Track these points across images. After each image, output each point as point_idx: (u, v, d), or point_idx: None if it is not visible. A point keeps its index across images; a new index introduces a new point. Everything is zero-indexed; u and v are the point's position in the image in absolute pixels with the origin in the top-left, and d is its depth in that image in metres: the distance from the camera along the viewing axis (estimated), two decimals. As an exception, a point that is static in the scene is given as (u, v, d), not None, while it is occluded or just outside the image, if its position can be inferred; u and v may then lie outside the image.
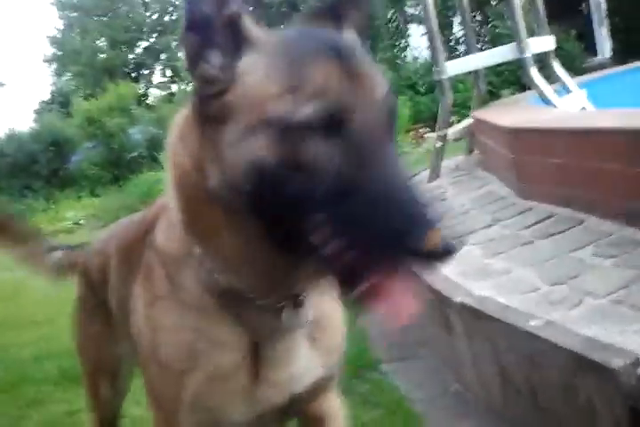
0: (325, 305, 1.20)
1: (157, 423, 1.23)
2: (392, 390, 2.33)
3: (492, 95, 11.56)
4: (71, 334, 1.82)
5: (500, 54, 4.81)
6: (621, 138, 2.40)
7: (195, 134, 0.96)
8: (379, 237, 0.82)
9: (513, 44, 4.66)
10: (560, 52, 10.97)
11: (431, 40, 4.93)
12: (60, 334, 3.65)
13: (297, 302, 1.09)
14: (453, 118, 10.18)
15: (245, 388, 1.12)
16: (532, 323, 1.80)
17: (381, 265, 0.85)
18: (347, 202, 0.84)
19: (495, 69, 11.28)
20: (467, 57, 5.17)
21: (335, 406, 1.39)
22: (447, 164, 5.19)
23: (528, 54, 4.55)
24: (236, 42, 0.92)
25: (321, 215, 0.85)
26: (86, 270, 1.72)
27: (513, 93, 9.98)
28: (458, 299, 2.15)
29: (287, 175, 0.85)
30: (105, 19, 29.08)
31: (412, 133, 11.82)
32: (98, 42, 29.22)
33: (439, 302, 2.30)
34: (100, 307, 1.59)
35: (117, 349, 1.64)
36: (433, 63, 5.02)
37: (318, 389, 1.25)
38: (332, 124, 0.84)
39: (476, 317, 2.04)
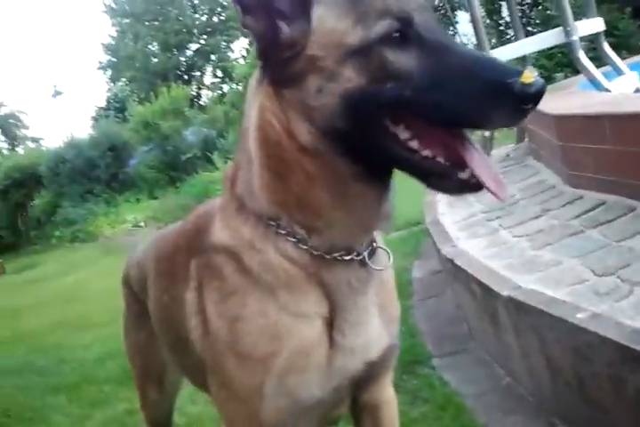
0: (384, 273, 1.22)
1: (234, 423, 1.24)
2: (442, 386, 2.33)
3: (545, 79, 11.27)
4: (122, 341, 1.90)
5: (547, 39, 4.71)
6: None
7: (275, 102, 1.05)
8: (474, 97, 0.94)
9: (559, 29, 4.56)
10: (614, 31, 10.69)
11: (475, 28, 4.86)
12: (121, 334, 3.79)
13: (372, 251, 1.14)
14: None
15: (324, 358, 1.14)
16: (579, 315, 1.77)
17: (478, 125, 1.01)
18: (437, 92, 0.96)
19: (547, 53, 11.02)
20: (513, 44, 5.07)
21: (389, 393, 1.40)
22: (498, 153, 5.13)
23: (575, 38, 4.45)
24: (299, 4, 1.02)
25: (414, 115, 0.98)
26: (128, 281, 1.79)
27: (566, 76, 9.72)
28: (505, 292, 2.13)
29: (381, 90, 0.97)
30: (156, 23, 29.64)
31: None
32: (150, 46, 29.82)
33: (486, 296, 2.29)
34: (144, 315, 1.65)
35: (163, 355, 1.69)
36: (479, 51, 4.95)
37: (385, 360, 1.26)
38: (402, 33, 0.97)
39: (522, 310, 2.03)
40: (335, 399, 1.20)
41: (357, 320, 1.15)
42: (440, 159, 1.01)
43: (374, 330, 1.18)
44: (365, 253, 1.13)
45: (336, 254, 1.10)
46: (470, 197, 3.76)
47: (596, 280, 2.04)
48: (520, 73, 0.92)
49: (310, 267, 1.10)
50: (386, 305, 1.23)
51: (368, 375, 1.23)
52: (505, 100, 0.92)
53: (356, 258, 1.12)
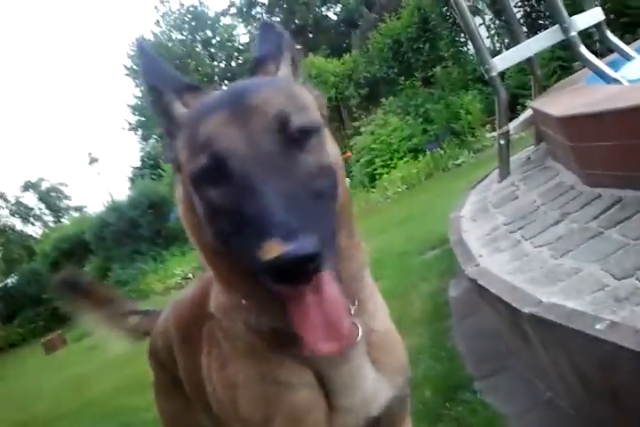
0: (382, 320, 1.25)
1: None
2: (484, 410, 2.30)
3: (564, 70, 11.15)
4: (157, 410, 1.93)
5: (545, 39, 4.66)
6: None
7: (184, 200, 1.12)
8: (249, 257, 0.89)
9: (556, 27, 4.52)
10: (626, 10, 10.50)
11: (472, 39, 4.87)
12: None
13: None
14: (528, 101, 9.91)
15: (323, 420, 1.17)
16: (598, 326, 1.74)
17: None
18: (243, 230, 0.93)
19: (561, 43, 10.81)
20: (512, 49, 5.04)
21: None
22: (519, 156, 5.08)
23: (573, 33, 4.40)
24: (172, 127, 1.11)
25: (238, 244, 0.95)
26: (154, 351, 1.84)
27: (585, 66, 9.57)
28: (526, 310, 2.11)
29: (215, 221, 1.00)
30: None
31: (488, 126, 11.58)
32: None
33: (511, 313, 2.26)
34: (175, 384, 1.69)
35: (197, 420, 1.73)
36: (480, 63, 4.95)
37: (393, 410, 1.28)
38: (219, 168, 0.97)
39: (545, 325, 2.00)
40: None
41: (345, 384, 1.16)
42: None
43: (369, 388, 1.19)
44: None
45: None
46: (492, 209, 3.74)
47: (616, 285, 2.00)
48: (268, 238, 0.85)
49: (273, 340, 1.13)
50: (383, 360, 1.24)
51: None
52: (262, 267, 0.87)
53: None
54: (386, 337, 1.27)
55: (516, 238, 2.96)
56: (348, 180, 13.31)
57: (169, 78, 1.16)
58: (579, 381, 1.92)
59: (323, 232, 0.90)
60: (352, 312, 1.14)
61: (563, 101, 3.87)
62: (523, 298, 2.21)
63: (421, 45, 15.21)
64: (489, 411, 2.28)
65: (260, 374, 1.17)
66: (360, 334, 1.15)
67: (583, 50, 4.40)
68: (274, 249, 0.83)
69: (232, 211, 0.95)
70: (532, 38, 5.11)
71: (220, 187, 0.97)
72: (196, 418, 1.73)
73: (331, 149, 1.06)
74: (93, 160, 23.67)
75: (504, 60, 4.80)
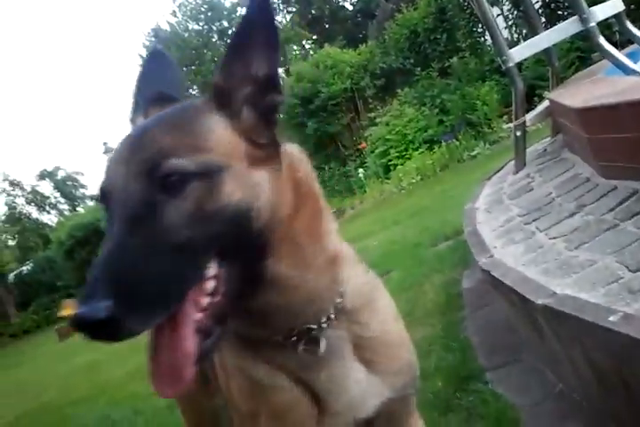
0: (378, 326, 1.24)
1: None
2: (496, 401, 2.30)
3: (582, 61, 11.03)
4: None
5: (564, 30, 4.60)
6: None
7: None
8: None
9: (575, 18, 4.47)
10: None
11: (489, 30, 4.82)
12: (189, 379, 3.87)
13: (310, 337, 1.15)
14: (546, 92, 9.82)
15: (312, 420, 1.18)
16: (611, 318, 1.73)
17: None
18: None
19: (580, 34, 10.66)
20: (530, 40, 4.99)
21: (416, 425, 1.42)
22: (536, 148, 5.05)
23: (592, 24, 4.35)
24: None
25: None
26: None
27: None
28: (539, 301, 2.10)
29: None
30: (193, 68, 30.49)
31: (505, 117, 11.50)
32: (191, 90, 30.68)
33: (525, 305, 2.26)
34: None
35: (214, 401, 1.75)
36: (497, 54, 4.91)
37: (391, 411, 1.29)
38: (103, 204, 1.01)
39: (559, 317, 1.99)
40: None
41: (328, 388, 1.18)
42: None
43: (357, 391, 1.20)
44: (294, 340, 1.15)
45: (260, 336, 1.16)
46: (507, 201, 3.72)
47: (631, 277, 1.98)
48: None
49: (251, 344, 1.16)
50: (380, 362, 1.24)
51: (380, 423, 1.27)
52: None
53: (285, 343, 1.15)
54: (384, 340, 1.26)
55: (531, 230, 2.95)
56: (361, 170, 13.33)
57: (154, 86, 1.21)
58: (592, 373, 1.92)
59: (154, 291, 0.89)
60: (325, 326, 1.16)
61: (581, 93, 3.83)
62: (536, 289, 2.20)
63: (438, 36, 15.09)
64: (500, 402, 2.29)
65: (242, 370, 1.20)
66: (325, 346, 1.17)
67: (602, 41, 4.34)
68: (69, 308, 0.86)
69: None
70: (551, 29, 5.05)
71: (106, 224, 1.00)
72: (211, 399, 1.75)
73: (232, 191, 0.99)
74: (109, 150, 23.81)
75: (522, 51, 4.75)
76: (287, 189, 1.08)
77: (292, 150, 1.18)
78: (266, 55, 1.07)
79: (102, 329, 0.85)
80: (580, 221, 2.73)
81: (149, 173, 0.95)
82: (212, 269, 0.97)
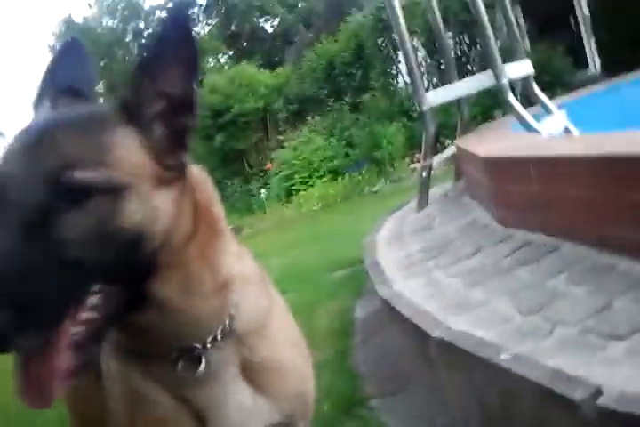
0: (265, 352, 1.24)
1: None
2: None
3: (485, 116, 11.68)
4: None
5: (478, 82, 4.91)
6: (587, 165, 2.46)
7: None
8: None
9: (489, 72, 4.77)
10: (548, 68, 11.17)
11: (410, 73, 5.06)
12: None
13: (192, 356, 1.14)
14: (449, 141, 10.34)
15: None
16: (502, 356, 1.84)
17: None
18: None
19: (487, 91, 11.34)
20: (445, 87, 5.27)
21: None
22: (437, 191, 5.27)
23: (504, 81, 4.64)
24: None
25: None
26: None
27: (504, 114, 10.09)
28: (435, 334, 2.19)
29: None
30: (101, 64, 29.62)
31: (407, 159, 11.94)
32: (97, 88, 29.75)
33: (420, 338, 2.34)
34: None
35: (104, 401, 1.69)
36: (414, 96, 5.14)
37: None
38: None
39: (452, 351, 2.09)
40: None
41: (209, 408, 1.18)
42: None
43: (240, 413, 1.20)
44: (175, 357, 1.14)
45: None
46: (408, 237, 3.86)
47: (522, 319, 2.11)
48: None
49: (134, 354, 1.16)
50: (271, 387, 1.24)
51: None
52: None
53: (165, 359, 1.14)
54: (272, 366, 1.25)
55: (430, 267, 3.07)
56: (264, 191, 13.39)
57: (66, 76, 1.16)
58: (478, 408, 2.01)
59: (36, 308, 0.87)
60: (208, 347, 1.15)
61: (487, 144, 4.08)
62: (433, 323, 2.30)
63: (354, 71, 15.52)
64: (383, 429, 2.35)
65: (125, 378, 1.19)
66: (204, 366, 1.16)
67: (511, 97, 4.65)
68: None
69: None
70: (466, 79, 5.37)
71: None
72: (100, 399, 1.71)
73: (132, 213, 0.96)
74: (2, 137, 22.49)
75: (437, 96, 5.01)
76: (187, 213, 1.05)
77: (195, 170, 1.14)
78: (182, 75, 1.03)
79: None
80: (477, 263, 2.88)
81: (50, 180, 0.90)
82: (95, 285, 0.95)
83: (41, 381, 0.92)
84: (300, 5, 32.81)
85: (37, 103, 1.14)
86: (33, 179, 0.90)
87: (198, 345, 1.14)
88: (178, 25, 1.02)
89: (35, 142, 0.94)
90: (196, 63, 1.05)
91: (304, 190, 12.14)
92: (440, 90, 5.22)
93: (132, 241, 0.95)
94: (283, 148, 13.84)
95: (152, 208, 0.98)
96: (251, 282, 1.25)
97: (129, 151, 0.99)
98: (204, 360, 1.14)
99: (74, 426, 1.89)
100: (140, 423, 1.18)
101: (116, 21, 30.91)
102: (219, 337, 1.15)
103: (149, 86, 1.02)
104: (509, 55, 5.41)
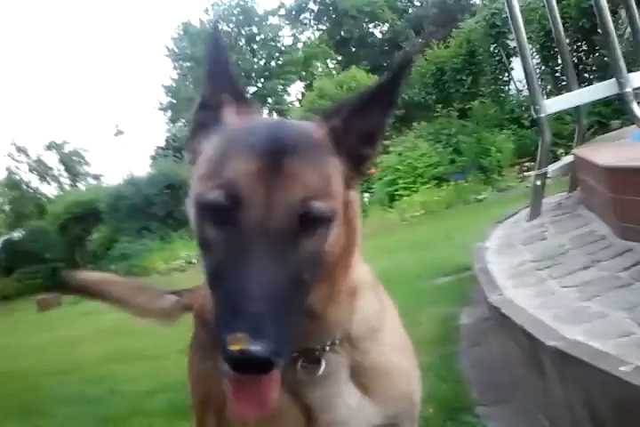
0: (377, 356, 1.28)
1: None
2: (485, 434, 2.35)
3: (602, 126, 11.25)
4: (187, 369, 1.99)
5: (600, 90, 4.75)
6: None
7: None
8: (217, 325, 0.93)
9: (613, 80, 4.60)
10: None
11: (528, 78, 4.93)
12: (172, 368, 3.89)
13: (311, 357, 1.19)
14: (561, 150, 10.03)
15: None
16: (623, 368, 1.79)
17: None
18: (218, 284, 0.96)
19: (604, 99, 10.90)
20: (565, 94, 5.12)
21: None
22: (550, 200, 5.13)
23: (629, 89, 4.46)
24: (211, 124, 1.11)
25: (212, 288, 0.99)
26: (202, 312, 1.89)
27: (623, 124, 9.66)
28: (550, 343, 2.15)
29: (202, 246, 1.02)
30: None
31: (516, 168, 11.66)
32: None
33: (532, 345, 2.31)
34: (211, 345, 1.74)
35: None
36: (530, 101, 5.02)
37: None
38: (227, 213, 0.96)
39: (567, 361, 2.04)
40: None
41: (319, 406, 1.22)
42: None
43: (347, 413, 1.24)
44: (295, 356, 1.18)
45: None
46: (520, 246, 3.79)
47: (642, 334, 2.04)
48: (233, 331, 0.86)
49: None
50: (373, 388, 1.27)
51: None
52: (221, 345, 0.89)
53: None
54: (381, 370, 1.29)
55: (543, 276, 3.01)
56: (367, 195, 13.45)
57: (229, 76, 1.17)
58: (590, 421, 1.96)
59: (290, 327, 0.93)
60: (327, 349, 1.20)
61: (607, 153, 3.94)
62: (547, 332, 2.25)
63: (464, 77, 15.35)
64: (490, 436, 2.33)
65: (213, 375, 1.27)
66: (324, 368, 1.20)
67: (635, 107, 4.46)
68: (239, 341, 0.86)
69: (219, 259, 0.97)
70: (587, 88, 5.19)
71: (219, 229, 0.98)
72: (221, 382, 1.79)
73: (335, 239, 1.05)
74: (119, 132, 23.81)
75: (555, 104, 4.88)
76: (343, 230, 1.10)
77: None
78: (383, 114, 1.11)
79: (264, 366, 0.88)
80: (594, 275, 2.80)
81: (300, 212, 0.97)
82: None
83: (262, 393, 0.99)
84: (410, 11, 32.72)
85: (211, 93, 1.15)
86: (284, 204, 0.96)
87: (318, 347, 1.19)
88: (399, 73, 1.09)
89: (283, 171, 0.98)
90: (394, 105, 1.13)
91: (407, 196, 12.11)
92: (559, 97, 5.08)
93: (321, 264, 1.03)
94: (388, 153, 13.85)
95: (339, 233, 1.07)
96: (368, 287, 1.30)
97: (338, 181, 1.06)
98: (323, 362, 1.20)
99: (194, 407, 2.00)
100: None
101: (231, 26, 31.98)
102: (337, 341, 1.21)
103: (359, 121, 1.10)
104: (634, 63, 5.21)
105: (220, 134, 1.07)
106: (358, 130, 1.11)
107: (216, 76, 1.17)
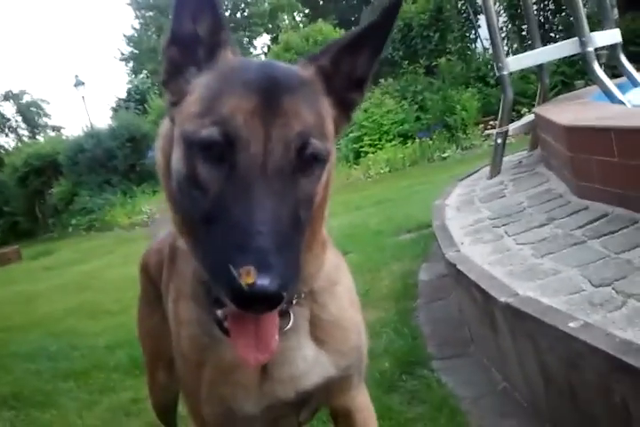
0: (334, 309, 1.29)
1: (189, 411, 1.36)
2: (440, 387, 2.40)
3: (565, 86, 11.31)
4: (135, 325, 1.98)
5: (562, 49, 4.74)
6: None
7: (168, 137, 1.08)
8: (216, 263, 0.89)
9: (575, 39, 4.59)
10: (637, 39, 10.65)
11: (491, 35, 4.90)
12: (132, 323, 3.86)
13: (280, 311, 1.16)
14: (525, 109, 10.08)
15: (253, 381, 1.23)
16: (571, 324, 1.83)
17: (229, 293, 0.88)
18: (214, 222, 0.92)
19: (568, 59, 11.01)
20: (528, 52, 5.11)
21: (361, 400, 1.48)
22: (511, 159, 5.18)
23: (590, 49, 4.46)
24: (208, 61, 1.05)
25: (202, 228, 0.95)
26: (146, 266, 1.87)
27: (587, 84, 9.72)
28: (502, 299, 2.19)
29: (189, 186, 0.98)
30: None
31: (481, 126, 11.70)
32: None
33: (486, 301, 2.35)
34: (158, 300, 1.73)
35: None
36: (493, 59, 5.00)
37: (332, 388, 1.34)
38: (223, 150, 0.94)
39: (519, 317, 2.09)
40: (276, 415, 1.30)
41: (278, 359, 1.20)
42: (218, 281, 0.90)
43: (302, 366, 1.25)
44: None
45: None
46: (478, 203, 3.82)
47: (593, 291, 2.09)
48: (245, 264, 0.83)
49: (217, 301, 1.12)
50: (330, 343, 1.29)
51: (312, 400, 1.33)
52: (226, 282, 0.86)
53: None
54: (337, 323, 1.30)
55: (500, 233, 3.05)
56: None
57: (216, 11, 1.07)
58: (541, 375, 2.02)
59: (294, 264, 0.92)
60: (294, 302, 1.19)
61: (568, 112, 3.96)
62: (500, 288, 2.30)
63: (431, 34, 15.16)
64: (444, 389, 2.39)
65: (198, 320, 1.22)
66: (292, 321, 1.19)
67: (596, 66, 4.47)
68: (249, 275, 0.83)
69: (213, 199, 0.94)
70: (549, 46, 5.18)
71: (214, 167, 0.95)
72: (169, 336, 1.78)
73: (326, 181, 1.06)
74: (79, 83, 22.94)
75: (517, 62, 4.88)
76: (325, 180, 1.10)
77: None
78: (372, 57, 1.10)
79: (274, 300, 0.86)
80: (549, 232, 2.84)
81: (299, 149, 0.95)
82: None
83: (265, 336, 0.99)
84: (379, -36, 32.06)
85: (195, 23, 1.06)
86: (283, 142, 0.94)
87: None
88: (390, 15, 1.08)
89: (280, 108, 0.96)
90: (382, 49, 1.11)
91: (373, 153, 12.09)
92: (522, 55, 5.06)
93: (312, 204, 1.03)
94: (353, 109, 13.74)
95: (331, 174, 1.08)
96: (329, 242, 1.30)
97: (330, 123, 1.05)
98: (291, 316, 1.19)
99: (146, 362, 2.00)
100: (209, 366, 1.23)
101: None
102: (302, 294, 1.21)
103: (348, 62, 1.08)
104: (598, 23, 5.20)
105: (213, 73, 1.03)
106: (347, 71, 1.09)
107: (195, 4, 1.05)
